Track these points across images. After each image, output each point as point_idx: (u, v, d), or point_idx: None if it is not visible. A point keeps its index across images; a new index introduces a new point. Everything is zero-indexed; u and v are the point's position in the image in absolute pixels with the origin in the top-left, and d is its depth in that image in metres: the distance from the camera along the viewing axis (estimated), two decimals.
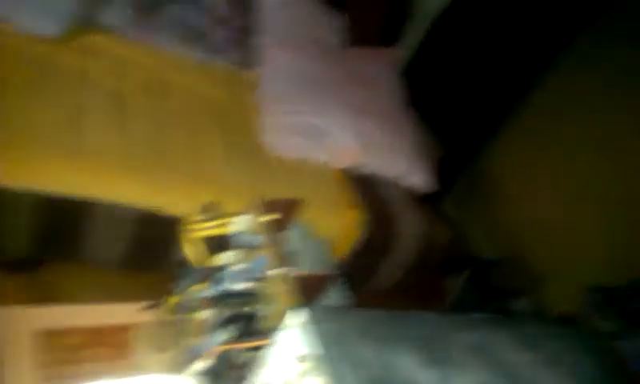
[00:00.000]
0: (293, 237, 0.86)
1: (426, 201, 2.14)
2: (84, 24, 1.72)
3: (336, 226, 1.67)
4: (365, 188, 1.84)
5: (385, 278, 1.88)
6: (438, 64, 2.55)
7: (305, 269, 0.78)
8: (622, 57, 2.38)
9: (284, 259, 0.78)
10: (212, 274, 0.83)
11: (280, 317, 0.69)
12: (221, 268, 0.84)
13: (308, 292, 0.76)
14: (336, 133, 1.85)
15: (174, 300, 0.81)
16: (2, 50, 1.49)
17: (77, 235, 1.39)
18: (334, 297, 0.83)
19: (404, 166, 1.92)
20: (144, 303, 0.90)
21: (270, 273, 0.79)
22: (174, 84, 1.78)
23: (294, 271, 0.75)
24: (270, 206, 0.85)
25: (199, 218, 0.85)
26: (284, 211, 0.86)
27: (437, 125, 2.31)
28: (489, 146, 2.90)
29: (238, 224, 0.85)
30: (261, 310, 0.76)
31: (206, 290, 0.80)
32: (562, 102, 2.64)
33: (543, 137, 2.71)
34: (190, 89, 1.81)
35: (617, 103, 2.40)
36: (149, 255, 1.48)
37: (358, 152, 1.86)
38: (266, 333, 0.72)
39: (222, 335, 0.72)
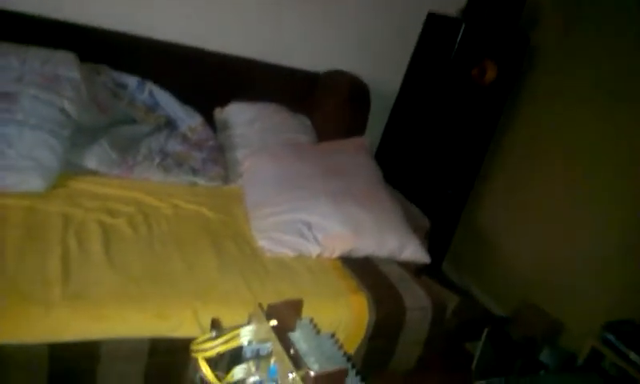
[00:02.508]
0: (300, 337, 0.85)
1: (425, 271, 2.14)
2: (68, 171, 1.79)
3: (344, 314, 1.65)
4: (364, 271, 1.84)
5: (404, 356, 1.83)
6: (405, 141, 2.73)
7: (318, 368, 0.77)
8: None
9: (296, 362, 0.77)
10: None
11: None
12: (237, 383, 0.82)
13: None
14: (323, 223, 1.88)
15: None
16: None
17: (90, 380, 1.36)
18: None
19: (395, 243, 1.94)
20: None
21: (284, 379, 0.77)
22: (158, 210, 1.83)
23: (308, 373, 0.74)
24: (272, 311, 0.85)
25: (207, 336, 0.84)
26: (286, 313, 0.86)
27: (416, 197, 2.39)
28: (473, 204, 2.96)
29: (246, 335, 0.84)
30: None
31: None
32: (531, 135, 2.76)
33: (521, 181, 2.80)
34: (176, 211, 1.86)
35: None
36: (168, 383, 1.45)
37: (347, 238, 1.88)
38: None
39: None
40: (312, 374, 0.76)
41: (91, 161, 1.90)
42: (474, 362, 2.40)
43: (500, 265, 2.83)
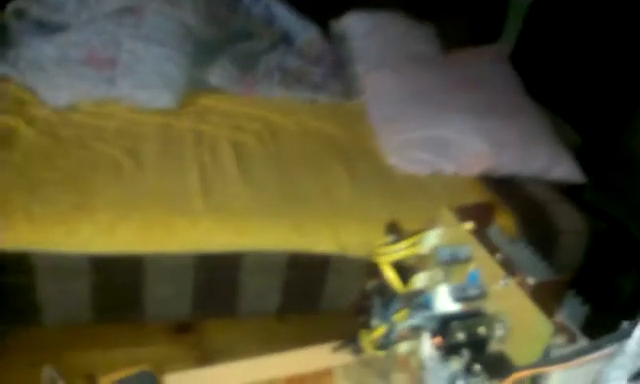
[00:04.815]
0: (500, 243, 0.71)
1: (568, 194, 1.90)
2: (194, 88, 1.78)
3: None
4: (507, 190, 1.65)
5: None
6: (550, 48, 2.35)
7: (532, 276, 0.64)
8: None
9: (507, 268, 0.64)
10: (413, 300, 0.71)
11: (522, 337, 0.57)
12: (421, 291, 0.72)
13: (546, 303, 0.61)
14: (460, 140, 1.70)
15: (375, 333, 0.70)
16: (127, 125, 1.58)
17: (232, 290, 1.39)
18: (570, 306, 0.67)
19: (545, 160, 1.72)
20: (338, 343, 0.80)
21: (492, 286, 0.65)
22: (284, 127, 1.77)
23: (526, 280, 0.61)
24: (464, 213, 0.71)
25: (388, 240, 0.74)
26: (480, 217, 0.73)
27: (564, 110, 2.08)
28: (626, 123, 2.56)
29: (431, 240, 0.73)
30: (490, 331, 0.62)
31: (412, 319, 0.69)
32: None
33: None
34: (300, 128, 1.79)
35: None
36: (303, 297, 1.46)
37: (488, 155, 1.69)
38: (504, 359, 0.59)
39: (449, 367, 0.60)
40: (531, 281, 0.63)
41: (214, 77, 1.86)
42: (623, 297, 2.15)
43: None
